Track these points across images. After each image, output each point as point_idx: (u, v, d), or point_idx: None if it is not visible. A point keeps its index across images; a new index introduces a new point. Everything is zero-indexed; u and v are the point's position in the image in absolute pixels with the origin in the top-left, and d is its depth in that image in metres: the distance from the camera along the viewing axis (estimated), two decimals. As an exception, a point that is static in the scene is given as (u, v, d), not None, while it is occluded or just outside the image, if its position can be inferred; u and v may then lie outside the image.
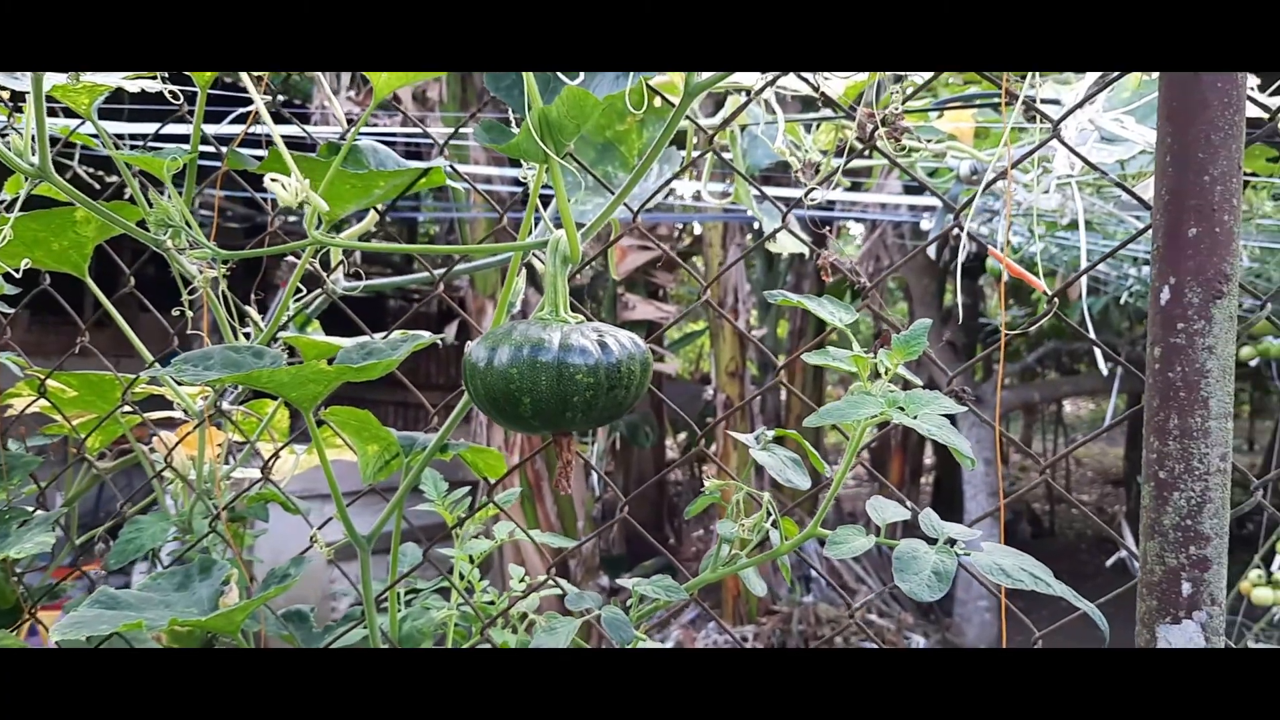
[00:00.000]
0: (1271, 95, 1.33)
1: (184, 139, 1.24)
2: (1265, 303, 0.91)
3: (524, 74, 0.92)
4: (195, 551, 1.45)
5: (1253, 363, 4.64)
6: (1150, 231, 0.76)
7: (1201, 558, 0.72)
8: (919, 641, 7.00)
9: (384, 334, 1.28)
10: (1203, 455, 0.72)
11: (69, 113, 1.28)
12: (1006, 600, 1.05)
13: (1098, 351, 1.18)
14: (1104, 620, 0.84)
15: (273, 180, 1.03)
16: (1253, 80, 1.26)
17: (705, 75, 0.96)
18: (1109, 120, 1.30)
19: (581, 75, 0.94)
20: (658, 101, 1.21)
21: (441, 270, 1.42)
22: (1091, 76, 1.38)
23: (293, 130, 1.45)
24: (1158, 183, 0.75)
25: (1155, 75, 1.26)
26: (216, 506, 1.45)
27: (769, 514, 1.04)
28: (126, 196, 1.26)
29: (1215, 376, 0.72)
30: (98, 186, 1.83)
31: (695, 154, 1.32)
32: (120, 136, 2.62)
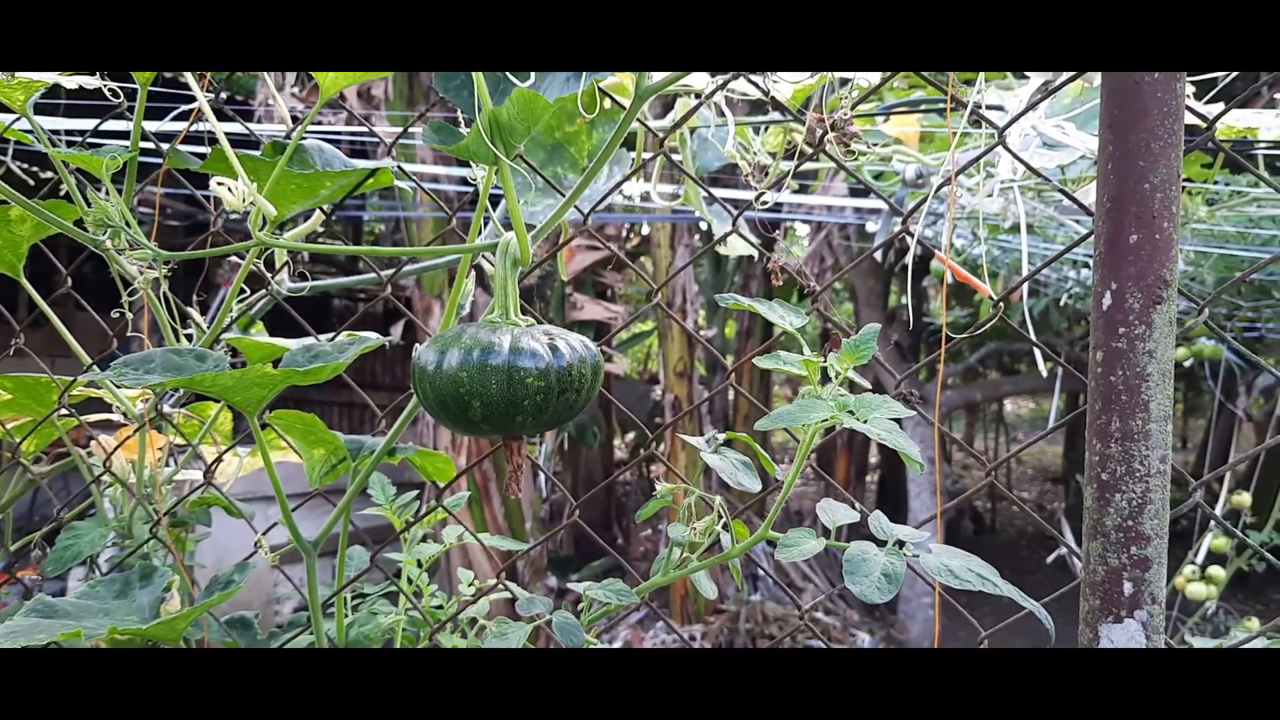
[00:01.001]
0: (1207, 104, 1.37)
1: (124, 135, 1.21)
2: (1203, 308, 0.93)
3: (474, 75, 0.91)
4: (135, 558, 1.42)
5: (1187, 363, 4.77)
6: (1092, 237, 0.78)
7: (1143, 558, 0.74)
8: (864, 639, 7.07)
9: (330, 335, 1.27)
10: (1144, 457, 0.74)
11: (1, 107, 1.25)
12: (951, 598, 1.06)
13: (1038, 354, 1.20)
14: (1049, 619, 0.85)
15: (219, 184, 1.01)
16: (1188, 88, 1.29)
17: (657, 78, 0.96)
18: (1050, 126, 1.32)
19: (532, 76, 0.93)
20: (608, 103, 1.21)
21: (389, 272, 1.40)
22: (1033, 83, 1.40)
23: (235, 128, 1.43)
24: (1100, 190, 0.76)
25: (1096, 83, 1.29)
26: (157, 511, 1.42)
27: (720, 517, 1.04)
28: (63, 194, 1.23)
29: (1156, 380, 0.74)
30: (32, 183, 1.79)
31: (646, 156, 1.32)
32: (56, 132, 2.55)
